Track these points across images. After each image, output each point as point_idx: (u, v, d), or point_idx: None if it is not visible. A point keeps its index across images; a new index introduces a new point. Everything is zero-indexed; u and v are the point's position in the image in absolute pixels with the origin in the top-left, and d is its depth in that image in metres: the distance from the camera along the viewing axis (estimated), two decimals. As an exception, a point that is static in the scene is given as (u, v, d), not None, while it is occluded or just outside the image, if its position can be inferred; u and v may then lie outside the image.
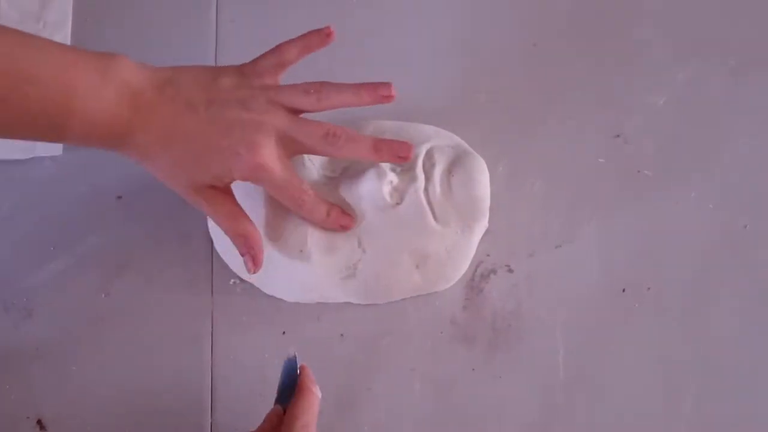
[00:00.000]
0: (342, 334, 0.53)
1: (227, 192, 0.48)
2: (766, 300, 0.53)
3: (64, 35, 0.59)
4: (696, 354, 0.52)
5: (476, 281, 0.53)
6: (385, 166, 0.52)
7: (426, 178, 0.52)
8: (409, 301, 0.53)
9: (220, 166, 0.45)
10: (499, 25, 0.59)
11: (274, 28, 0.59)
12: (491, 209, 0.53)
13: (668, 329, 0.52)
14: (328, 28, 0.49)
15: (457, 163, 0.53)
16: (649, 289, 0.53)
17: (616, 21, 0.59)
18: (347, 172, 0.53)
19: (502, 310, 0.53)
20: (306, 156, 0.53)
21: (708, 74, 0.57)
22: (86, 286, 0.54)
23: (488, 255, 0.54)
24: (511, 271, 0.53)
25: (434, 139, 0.54)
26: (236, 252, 0.49)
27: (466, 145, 0.55)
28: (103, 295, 0.54)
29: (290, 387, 0.46)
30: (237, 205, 0.48)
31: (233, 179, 0.47)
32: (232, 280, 0.54)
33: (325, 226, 0.51)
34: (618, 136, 0.56)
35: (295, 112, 0.48)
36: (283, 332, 0.53)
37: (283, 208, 0.51)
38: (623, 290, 0.53)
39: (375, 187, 0.51)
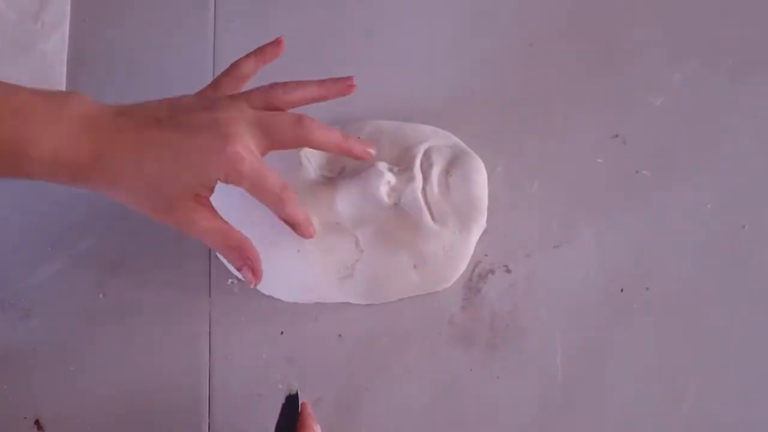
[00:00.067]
0: (340, 335, 0.53)
1: (208, 207, 0.46)
2: (764, 300, 0.53)
3: (61, 35, 0.59)
4: (694, 354, 0.52)
5: (474, 281, 0.53)
6: (383, 166, 0.52)
7: (424, 178, 0.52)
8: (407, 302, 0.53)
9: (196, 170, 0.44)
10: (497, 25, 0.59)
11: (273, 29, 0.59)
12: (489, 209, 0.53)
13: (666, 329, 0.52)
14: (278, 39, 0.50)
15: (455, 163, 0.53)
16: (647, 289, 0.53)
17: (614, 21, 0.58)
18: (345, 172, 0.53)
19: (501, 311, 0.53)
20: (303, 155, 0.53)
21: (706, 74, 0.57)
22: (84, 286, 0.54)
23: (486, 255, 0.54)
24: (509, 271, 0.53)
25: (432, 139, 0.54)
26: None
27: (464, 145, 0.55)
28: (100, 295, 0.54)
29: (290, 423, 0.45)
30: (221, 219, 0.47)
31: (211, 181, 0.45)
32: (230, 280, 0.54)
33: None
34: (616, 136, 0.56)
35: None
36: (281, 332, 0.53)
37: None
38: (621, 290, 0.53)
39: (373, 187, 0.51)
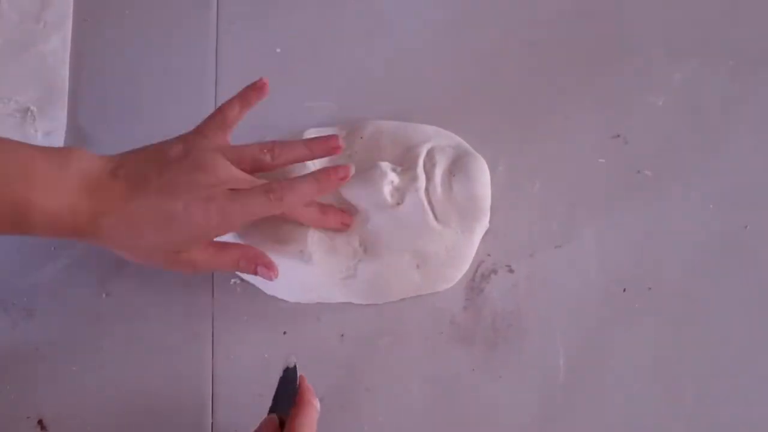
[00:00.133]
0: (342, 335, 0.53)
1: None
2: (766, 300, 0.53)
3: (63, 36, 0.59)
4: (696, 354, 0.52)
5: (477, 281, 0.53)
6: (386, 165, 0.52)
7: (427, 178, 0.52)
8: (410, 302, 0.53)
9: (184, 234, 0.45)
10: (499, 25, 0.59)
11: (273, 30, 0.59)
12: (492, 209, 0.53)
13: (668, 329, 0.52)
14: (260, 80, 0.50)
15: (457, 163, 0.53)
16: (649, 289, 0.53)
17: (615, 21, 0.59)
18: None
19: (503, 311, 0.53)
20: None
21: (707, 74, 0.57)
22: (87, 286, 0.54)
23: (489, 255, 0.54)
24: (511, 271, 0.53)
25: (435, 139, 0.54)
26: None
27: (466, 145, 0.55)
28: (103, 295, 0.54)
29: (288, 396, 0.45)
30: (212, 243, 0.48)
31: (203, 238, 0.46)
32: (233, 281, 0.54)
33: (324, 225, 0.52)
34: (618, 136, 0.56)
35: (249, 172, 0.48)
36: (284, 332, 0.53)
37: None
38: (624, 290, 0.53)
39: (376, 187, 0.51)
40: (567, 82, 0.57)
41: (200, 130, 0.49)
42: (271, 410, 0.46)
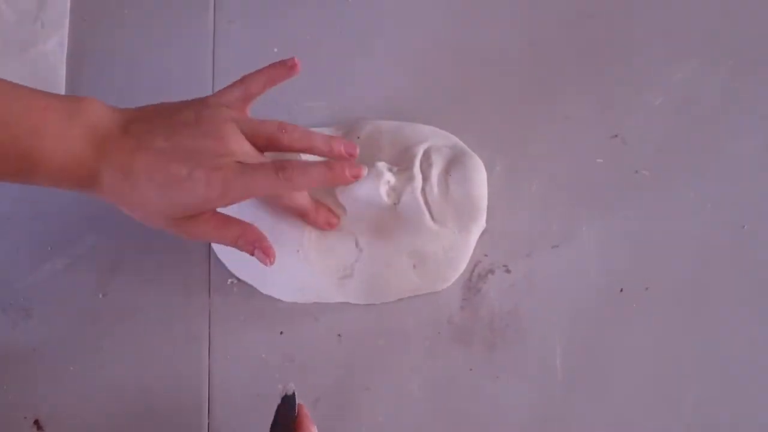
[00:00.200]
0: (340, 335, 0.53)
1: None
2: (764, 300, 0.53)
3: (61, 35, 0.59)
4: (694, 354, 0.52)
5: (474, 281, 0.53)
6: (383, 166, 0.52)
7: (423, 178, 0.52)
8: (407, 302, 0.53)
9: (187, 198, 0.44)
10: (496, 25, 0.59)
11: (273, 29, 0.59)
12: (489, 209, 0.53)
13: (666, 329, 0.52)
14: (293, 59, 0.48)
15: (454, 163, 0.53)
16: (647, 289, 0.53)
17: (614, 21, 0.58)
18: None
19: (500, 311, 0.53)
20: (303, 155, 0.53)
21: (706, 74, 0.57)
22: (84, 287, 0.54)
23: (486, 255, 0.54)
24: (508, 271, 0.53)
25: (432, 139, 0.54)
26: (233, 252, 0.48)
27: (463, 145, 0.55)
28: (100, 296, 0.54)
29: (286, 425, 0.45)
30: (217, 213, 0.47)
31: (204, 206, 0.45)
32: (230, 280, 0.54)
33: (314, 221, 0.51)
34: (616, 136, 0.56)
35: (261, 148, 0.47)
36: (281, 332, 0.53)
37: (277, 209, 0.51)
38: (621, 290, 0.53)
39: (372, 187, 0.51)
40: (565, 82, 0.57)
41: (219, 98, 0.47)
42: None
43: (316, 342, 0.53)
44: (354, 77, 0.58)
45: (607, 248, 0.53)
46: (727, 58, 0.57)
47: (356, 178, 0.47)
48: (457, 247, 0.52)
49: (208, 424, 0.52)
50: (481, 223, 0.53)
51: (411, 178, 0.51)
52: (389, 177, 0.51)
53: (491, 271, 0.53)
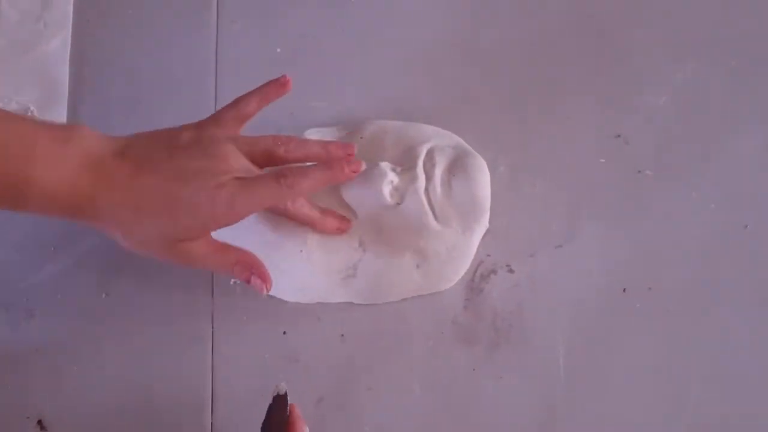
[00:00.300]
0: (342, 335, 0.53)
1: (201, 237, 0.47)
2: (766, 300, 0.53)
3: (64, 36, 0.59)
4: (697, 353, 0.52)
5: (477, 281, 0.53)
6: (386, 165, 0.52)
7: (427, 178, 0.52)
8: (410, 302, 0.53)
9: (191, 217, 0.44)
10: (499, 25, 0.59)
11: (275, 30, 0.59)
12: (492, 209, 0.53)
13: (669, 329, 0.52)
14: (284, 77, 0.49)
15: (457, 163, 0.53)
16: (649, 289, 0.53)
17: (616, 20, 0.59)
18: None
19: (503, 311, 0.53)
20: None
21: (708, 74, 0.57)
22: (86, 287, 0.54)
23: (489, 255, 0.54)
24: (511, 271, 0.53)
25: (435, 139, 0.54)
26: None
27: (466, 145, 0.55)
28: (103, 296, 0.54)
29: (277, 424, 0.45)
30: (213, 240, 0.47)
31: (205, 228, 0.45)
32: (233, 281, 0.54)
33: (323, 227, 0.52)
34: (618, 136, 0.56)
35: (260, 165, 0.47)
36: (284, 332, 0.53)
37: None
38: (624, 290, 0.53)
39: (376, 187, 0.51)
40: (567, 82, 0.57)
41: (214, 119, 0.48)
42: None
43: (319, 342, 0.53)
44: (357, 77, 0.58)
45: (610, 248, 0.53)
46: (728, 57, 0.57)
47: (355, 173, 0.47)
48: (460, 247, 0.52)
49: (212, 424, 0.52)
50: (484, 223, 0.53)
51: (414, 178, 0.51)
52: (392, 177, 0.51)
53: (494, 271, 0.54)
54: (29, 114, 0.57)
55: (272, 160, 0.47)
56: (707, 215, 0.54)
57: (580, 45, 0.58)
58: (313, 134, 0.55)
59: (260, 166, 0.47)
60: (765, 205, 0.54)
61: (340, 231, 0.52)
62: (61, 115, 0.57)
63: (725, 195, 0.54)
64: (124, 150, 0.45)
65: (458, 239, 0.52)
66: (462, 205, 0.52)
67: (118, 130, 0.57)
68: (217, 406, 0.52)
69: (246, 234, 0.51)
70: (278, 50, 0.59)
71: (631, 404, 0.51)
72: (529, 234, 0.54)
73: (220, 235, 0.47)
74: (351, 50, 0.59)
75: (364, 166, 0.48)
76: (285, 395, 0.45)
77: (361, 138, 0.54)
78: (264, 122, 0.56)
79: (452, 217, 0.52)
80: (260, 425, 0.44)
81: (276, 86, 0.49)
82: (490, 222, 0.53)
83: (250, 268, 0.47)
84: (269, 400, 0.45)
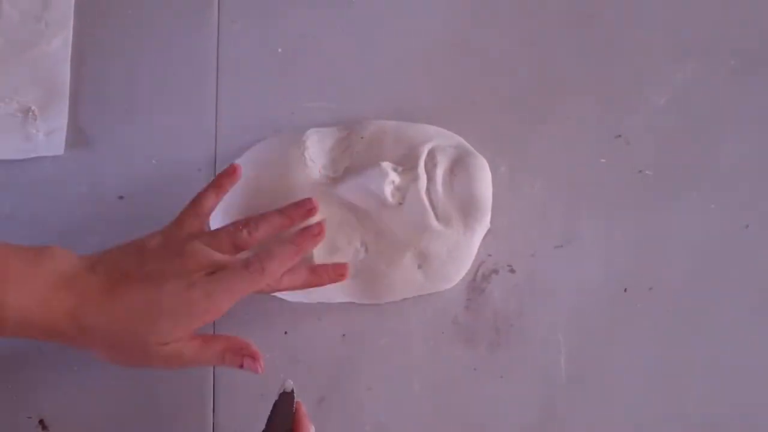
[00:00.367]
0: (344, 334, 0.53)
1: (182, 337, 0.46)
2: (767, 300, 0.53)
3: (65, 35, 0.59)
4: (698, 354, 0.52)
5: (478, 281, 0.53)
6: (387, 165, 0.52)
7: (428, 177, 0.52)
8: (411, 301, 0.53)
9: (168, 320, 0.44)
10: (499, 25, 0.59)
11: (275, 30, 0.59)
12: (493, 209, 0.53)
13: (670, 329, 0.52)
14: (232, 166, 0.50)
15: (459, 162, 0.53)
16: (650, 289, 0.53)
17: (617, 21, 0.59)
18: (348, 172, 0.53)
19: (504, 310, 0.53)
20: (307, 155, 0.53)
21: (709, 74, 0.57)
22: (88, 287, 0.54)
23: (490, 255, 0.54)
24: (512, 271, 0.53)
25: (436, 139, 0.54)
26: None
27: (467, 145, 0.55)
28: (104, 296, 0.54)
29: (282, 421, 0.45)
30: (196, 335, 0.46)
31: (187, 328, 0.45)
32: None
33: (320, 284, 0.51)
34: (619, 136, 0.56)
35: (230, 254, 0.47)
36: (285, 332, 0.53)
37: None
38: (625, 290, 0.53)
39: (377, 187, 0.51)
40: (568, 83, 0.57)
41: (178, 221, 0.49)
42: None
43: (320, 342, 0.53)
44: (357, 77, 0.58)
45: (611, 248, 0.54)
46: (730, 57, 0.57)
47: (320, 236, 0.49)
48: (461, 247, 0.52)
49: (213, 424, 0.52)
50: (485, 223, 0.53)
51: (416, 178, 0.51)
52: (394, 177, 0.51)
53: (495, 271, 0.54)
54: (30, 114, 0.57)
55: (240, 247, 0.48)
56: (708, 215, 0.54)
57: (580, 45, 0.58)
58: (313, 134, 0.55)
59: (231, 255, 0.47)
60: (765, 205, 0.54)
61: (342, 277, 0.51)
62: (62, 115, 0.57)
63: (726, 195, 0.54)
64: (95, 266, 0.45)
65: (460, 239, 0.52)
66: (463, 204, 0.52)
67: (118, 129, 0.57)
68: (218, 406, 0.52)
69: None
70: (279, 50, 0.59)
71: (631, 404, 0.51)
72: (531, 234, 0.54)
73: None
74: (351, 50, 0.59)
75: (325, 225, 0.49)
76: (292, 392, 0.46)
77: (362, 138, 0.54)
78: (264, 122, 0.56)
79: (454, 217, 0.52)
80: (263, 425, 0.44)
81: (228, 176, 0.50)
82: (491, 222, 0.53)
83: (240, 352, 0.47)
84: (275, 397, 0.45)
